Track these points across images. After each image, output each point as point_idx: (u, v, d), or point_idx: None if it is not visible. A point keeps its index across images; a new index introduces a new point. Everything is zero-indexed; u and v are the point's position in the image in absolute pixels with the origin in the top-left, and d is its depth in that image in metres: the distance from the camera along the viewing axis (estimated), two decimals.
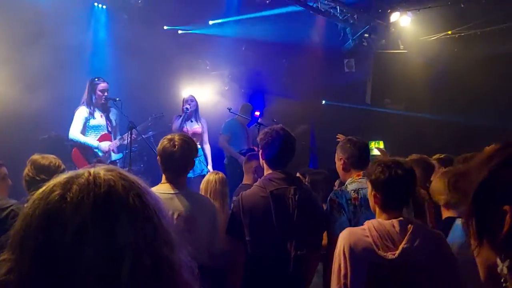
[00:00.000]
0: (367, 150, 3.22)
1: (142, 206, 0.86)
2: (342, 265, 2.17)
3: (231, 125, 6.87)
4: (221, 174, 3.78)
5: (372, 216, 2.36)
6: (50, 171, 2.89)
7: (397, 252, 2.10)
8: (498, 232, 0.78)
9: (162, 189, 2.83)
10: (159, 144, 2.92)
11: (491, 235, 0.79)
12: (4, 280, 0.80)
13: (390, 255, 2.09)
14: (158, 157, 2.90)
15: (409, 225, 2.17)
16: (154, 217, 0.88)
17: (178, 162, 2.85)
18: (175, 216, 2.73)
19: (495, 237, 0.78)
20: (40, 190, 0.86)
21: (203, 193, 3.51)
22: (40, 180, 2.78)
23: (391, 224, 2.17)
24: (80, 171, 0.89)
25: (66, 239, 0.79)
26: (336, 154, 3.18)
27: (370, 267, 2.12)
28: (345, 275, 2.16)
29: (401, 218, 2.20)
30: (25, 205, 0.87)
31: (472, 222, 0.84)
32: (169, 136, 2.92)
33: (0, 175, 3.12)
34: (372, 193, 2.29)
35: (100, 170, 0.89)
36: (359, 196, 2.83)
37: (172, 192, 2.82)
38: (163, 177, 2.91)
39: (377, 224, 2.19)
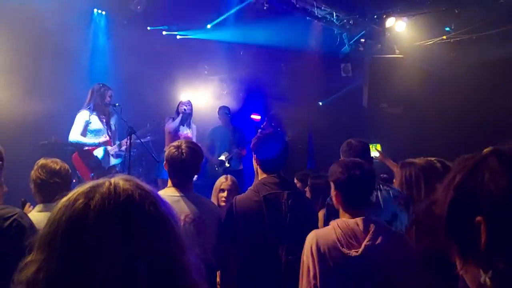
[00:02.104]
0: (367, 152, 3.21)
1: (156, 213, 0.96)
2: (310, 266, 2.21)
3: (212, 132, 7.11)
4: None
5: None
6: (61, 175, 2.96)
7: (360, 249, 2.16)
8: (478, 246, 0.79)
9: (168, 193, 2.86)
10: (166, 151, 2.94)
11: (473, 250, 0.81)
12: (33, 278, 0.88)
13: (353, 252, 2.16)
14: (165, 163, 2.92)
15: (372, 224, 2.23)
16: (167, 222, 0.97)
17: (186, 169, 2.87)
18: (182, 218, 2.75)
19: (478, 251, 0.79)
20: (65, 198, 0.95)
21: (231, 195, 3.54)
22: (53, 183, 2.86)
23: (355, 222, 2.24)
24: (100, 180, 0.98)
25: (89, 242, 0.87)
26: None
27: (335, 265, 2.17)
28: (315, 276, 2.19)
29: (364, 217, 2.27)
30: (51, 211, 0.96)
31: (452, 243, 0.86)
32: (175, 143, 2.93)
33: None
34: (334, 193, 2.36)
35: (119, 180, 0.98)
36: None
37: (179, 195, 2.85)
38: (169, 182, 2.93)
39: (341, 222, 2.26)
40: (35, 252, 0.91)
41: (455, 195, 0.84)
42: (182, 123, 6.32)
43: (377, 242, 2.17)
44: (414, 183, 3.04)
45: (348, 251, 2.16)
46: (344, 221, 2.26)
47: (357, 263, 2.15)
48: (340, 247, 2.17)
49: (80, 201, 0.92)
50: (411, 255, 2.29)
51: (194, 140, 6.29)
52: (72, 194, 0.95)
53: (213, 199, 3.75)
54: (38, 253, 0.90)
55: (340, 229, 2.22)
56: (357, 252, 2.16)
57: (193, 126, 6.53)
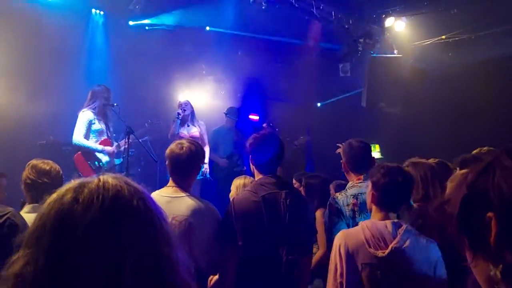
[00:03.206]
0: (368, 152, 3.23)
1: (145, 209, 0.96)
2: (338, 265, 2.27)
3: (214, 133, 7.05)
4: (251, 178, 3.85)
5: None
6: (51, 175, 2.96)
7: (387, 250, 2.20)
8: (488, 240, 0.82)
9: (163, 192, 2.87)
10: (168, 148, 2.97)
11: (484, 245, 0.83)
12: (21, 272, 0.88)
13: (380, 253, 2.20)
14: (166, 160, 2.95)
15: (401, 227, 2.27)
16: (156, 219, 0.98)
17: (183, 166, 2.89)
18: (168, 220, 2.75)
19: (488, 246, 0.82)
20: (54, 194, 0.96)
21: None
22: (42, 183, 2.88)
23: (384, 224, 2.29)
24: (90, 178, 0.98)
25: (77, 236, 0.87)
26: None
27: (362, 264, 2.22)
28: (341, 274, 2.25)
29: (394, 220, 2.32)
30: (40, 207, 0.96)
31: (463, 238, 0.89)
32: (178, 141, 2.99)
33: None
34: (371, 193, 2.41)
35: (108, 177, 0.98)
36: (358, 202, 2.89)
37: (172, 196, 2.85)
38: (170, 180, 2.96)
39: (370, 224, 2.31)
40: (23, 247, 0.91)
41: (467, 192, 0.87)
42: (181, 125, 6.33)
43: (404, 246, 2.21)
44: (430, 181, 3.04)
45: (375, 251, 2.21)
46: (373, 222, 2.31)
47: (384, 264, 2.20)
48: (368, 247, 2.22)
49: (69, 195, 0.92)
50: (438, 266, 2.30)
51: (205, 136, 6.37)
52: (61, 189, 0.96)
53: None
54: (27, 248, 0.91)
55: (369, 230, 2.27)
56: (383, 253, 2.20)
57: (201, 122, 6.55)
